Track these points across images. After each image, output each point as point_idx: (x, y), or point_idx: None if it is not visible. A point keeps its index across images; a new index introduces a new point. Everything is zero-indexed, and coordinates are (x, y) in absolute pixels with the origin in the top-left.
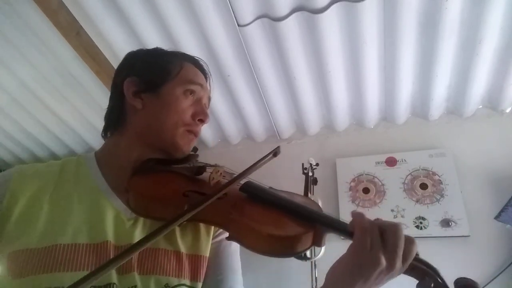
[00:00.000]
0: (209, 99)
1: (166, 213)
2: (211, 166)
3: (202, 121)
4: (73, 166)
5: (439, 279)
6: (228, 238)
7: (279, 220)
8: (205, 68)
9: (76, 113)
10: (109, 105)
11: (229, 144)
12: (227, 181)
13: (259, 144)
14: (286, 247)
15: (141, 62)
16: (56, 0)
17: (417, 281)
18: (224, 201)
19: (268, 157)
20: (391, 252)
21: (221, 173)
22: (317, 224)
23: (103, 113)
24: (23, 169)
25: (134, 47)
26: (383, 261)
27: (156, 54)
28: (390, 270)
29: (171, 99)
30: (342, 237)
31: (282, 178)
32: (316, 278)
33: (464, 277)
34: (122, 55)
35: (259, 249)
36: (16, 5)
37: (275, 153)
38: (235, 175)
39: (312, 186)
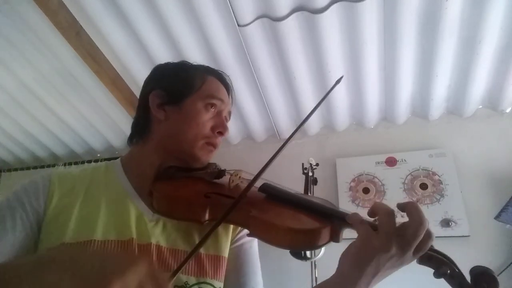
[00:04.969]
0: (230, 113)
1: (189, 213)
2: (230, 171)
3: (221, 133)
4: (102, 172)
5: (454, 268)
6: (249, 235)
7: (298, 216)
8: (228, 82)
9: (76, 113)
10: (136, 114)
11: (229, 144)
12: (246, 184)
13: (259, 144)
14: (305, 241)
15: (166, 75)
16: (56, 0)
17: (433, 270)
18: (244, 201)
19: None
20: (405, 242)
21: (240, 177)
22: (334, 220)
23: (103, 113)
24: (61, 172)
25: (134, 47)
26: (392, 247)
27: (181, 68)
28: (400, 257)
29: (192, 113)
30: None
31: (282, 178)
32: (316, 278)
33: (479, 265)
34: (122, 55)
35: (280, 243)
36: (16, 5)
37: (338, 80)
38: (258, 172)
39: (312, 186)
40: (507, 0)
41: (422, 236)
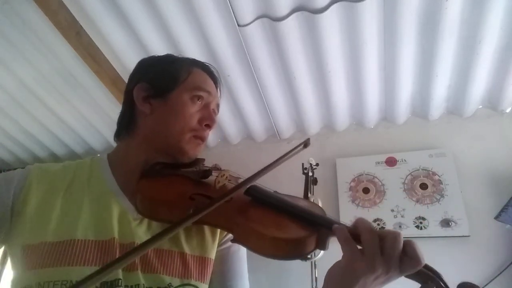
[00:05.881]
0: (218, 105)
1: (172, 216)
2: (217, 170)
3: (208, 126)
4: (86, 168)
5: (442, 284)
6: (232, 241)
7: (283, 224)
8: (215, 74)
9: (76, 113)
10: (121, 109)
11: (229, 144)
12: (233, 184)
13: (259, 144)
14: (289, 250)
15: (152, 68)
16: (56, 0)
17: (419, 285)
18: (228, 204)
19: (298, 149)
20: (386, 260)
21: (226, 177)
22: (321, 228)
23: (103, 113)
24: (42, 167)
25: (134, 47)
26: (378, 268)
27: (167, 61)
28: (386, 273)
29: (178, 105)
30: None
31: (282, 178)
32: (316, 278)
33: (467, 281)
34: (122, 55)
35: (263, 252)
36: (16, 5)
37: (305, 144)
38: (244, 179)
39: (312, 186)
40: (507, 0)
41: (401, 245)
